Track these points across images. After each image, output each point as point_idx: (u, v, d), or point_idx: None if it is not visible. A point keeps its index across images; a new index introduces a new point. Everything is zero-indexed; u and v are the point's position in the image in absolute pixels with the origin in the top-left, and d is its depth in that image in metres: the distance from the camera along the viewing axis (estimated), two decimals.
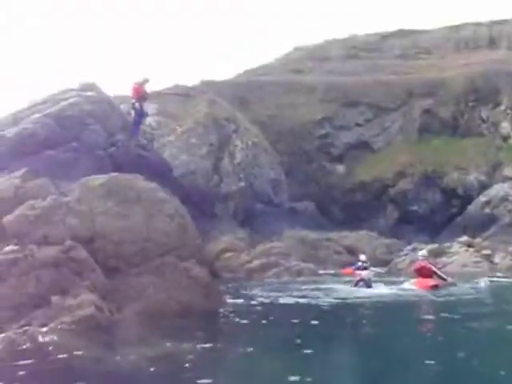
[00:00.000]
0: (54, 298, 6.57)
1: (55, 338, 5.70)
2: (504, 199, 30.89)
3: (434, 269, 12.70)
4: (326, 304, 9.44)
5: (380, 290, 12.09)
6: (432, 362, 4.97)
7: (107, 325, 6.60)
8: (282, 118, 37.12)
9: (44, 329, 5.96)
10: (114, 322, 6.84)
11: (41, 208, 7.85)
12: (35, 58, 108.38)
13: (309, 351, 5.39)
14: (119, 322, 6.89)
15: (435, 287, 11.71)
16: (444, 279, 12.59)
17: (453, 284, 12.58)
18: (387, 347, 5.71)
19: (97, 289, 7.15)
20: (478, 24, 52.62)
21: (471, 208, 31.88)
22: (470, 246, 23.04)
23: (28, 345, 5.43)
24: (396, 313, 9.04)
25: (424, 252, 14.03)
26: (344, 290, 12.11)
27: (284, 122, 36.82)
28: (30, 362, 5.03)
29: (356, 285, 12.78)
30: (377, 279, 14.00)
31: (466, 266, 20.68)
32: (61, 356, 5.16)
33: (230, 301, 9.49)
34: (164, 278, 7.99)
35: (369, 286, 12.59)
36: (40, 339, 5.57)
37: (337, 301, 9.99)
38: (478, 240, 24.16)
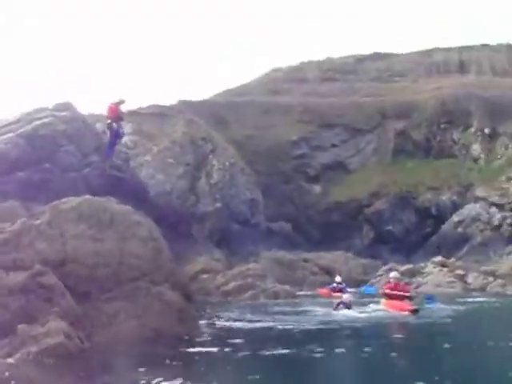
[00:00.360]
0: (20, 326, 6.32)
1: (21, 369, 5.46)
2: (476, 219, 31.63)
3: (402, 292, 12.63)
4: (305, 329, 9.33)
5: (359, 312, 12.04)
6: None
7: (77, 353, 6.38)
8: (258, 138, 37.42)
9: (9, 360, 5.72)
10: (84, 350, 6.62)
11: (9, 232, 7.63)
12: (35, 59, 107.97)
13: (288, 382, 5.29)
14: (89, 351, 6.68)
15: (415, 312, 11.58)
16: (411, 298, 12.66)
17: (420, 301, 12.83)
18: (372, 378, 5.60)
19: (67, 315, 6.92)
20: (449, 49, 54.49)
21: (445, 227, 32.51)
22: (443, 265, 23.42)
23: None
24: (381, 338, 8.96)
25: (395, 274, 13.96)
26: (323, 314, 12.02)
27: (261, 142, 37.12)
28: None
29: (336, 308, 12.74)
30: (353, 300, 13.95)
31: (440, 286, 20.95)
32: None
33: (204, 326, 9.33)
34: (136, 303, 7.81)
35: (348, 309, 12.58)
36: (5, 371, 5.32)
37: (317, 326, 9.87)
38: (451, 260, 24.60)
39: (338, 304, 12.79)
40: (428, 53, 54.80)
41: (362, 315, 11.62)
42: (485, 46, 55.06)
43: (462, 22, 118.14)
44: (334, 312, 12.32)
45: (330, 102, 40.85)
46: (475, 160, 36.28)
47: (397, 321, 10.77)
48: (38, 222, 8.07)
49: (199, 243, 24.52)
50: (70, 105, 15.57)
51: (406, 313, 11.57)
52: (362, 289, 12.27)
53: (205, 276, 19.07)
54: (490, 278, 21.74)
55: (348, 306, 12.58)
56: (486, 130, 36.45)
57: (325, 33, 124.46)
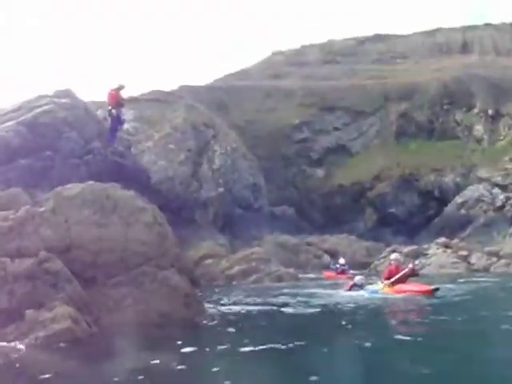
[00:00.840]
0: (28, 312, 6.36)
1: (29, 353, 5.50)
2: (479, 200, 31.58)
3: (404, 272, 11.89)
4: (313, 312, 9.32)
5: (370, 294, 11.87)
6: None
7: (84, 338, 6.42)
8: (260, 122, 37.24)
9: (17, 345, 5.76)
10: (92, 334, 6.67)
11: (14, 219, 7.62)
12: (35, 58, 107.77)
13: (295, 362, 5.31)
14: (97, 335, 6.72)
15: (435, 291, 10.86)
16: (415, 275, 12.11)
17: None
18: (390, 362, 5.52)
19: (73, 301, 6.95)
20: (451, 29, 53.84)
21: (448, 209, 32.49)
22: (447, 247, 23.42)
23: (0, 362, 5.23)
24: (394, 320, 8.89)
25: (396, 255, 13.38)
26: (334, 295, 11.90)
27: (262, 126, 36.95)
28: (1, 380, 4.85)
29: (350, 289, 12.66)
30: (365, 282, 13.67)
31: (444, 267, 20.99)
32: (35, 373, 4.98)
33: (210, 309, 9.37)
34: (143, 287, 7.84)
35: (361, 289, 12.48)
36: (13, 355, 5.37)
37: (327, 308, 9.83)
38: (455, 241, 24.59)
39: (352, 286, 12.71)
40: (430, 33, 54.18)
41: (376, 296, 11.44)
42: (488, 25, 54.34)
43: (465, 2, 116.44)
44: (347, 293, 12.22)
45: (331, 85, 40.53)
46: (478, 141, 36.09)
47: (410, 301, 10.59)
48: (42, 209, 8.06)
49: (203, 228, 24.58)
50: (70, 92, 15.51)
51: (425, 294, 10.81)
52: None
53: (209, 261, 19.14)
54: (494, 259, 21.77)
55: (361, 287, 12.51)
56: (489, 111, 36.17)
57: (326, 15, 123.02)
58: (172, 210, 18.98)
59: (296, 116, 38.44)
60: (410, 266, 12.25)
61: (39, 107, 13.67)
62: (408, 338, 6.54)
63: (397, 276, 11.88)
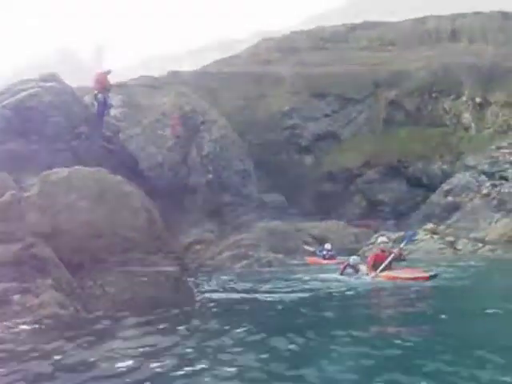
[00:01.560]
0: (15, 297, 6.30)
1: (16, 338, 5.46)
2: (465, 187, 31.86)
3: (390, 258, 11.27)
4: (300, 295, 9.38)
5: (363, 277, 11.41)
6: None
7: (72, 323, 6.39)
8: (250, 109, 37.02)
9: (4, 329, 5.72)
10: (80, 319, 6.64)
11: None
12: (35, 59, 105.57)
13: (287, 347, 5.31)
14: (85, 320, 6.69)
15: (433, 277, 10.26)
16: (404, 260, 11.62)
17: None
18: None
19: (61, 286, 6.91)
20: (441, 17, 53.76)
21: (434, 196, 32.75)
22: (434, 233, 23.70)
23: None
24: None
25: (383, 238, 12.64)
26: (325, 280, 11.55)
27: (252, 113, 36.75)
28: None
29: (343, 271, 11.89)
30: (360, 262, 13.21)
31: (431, 253, 21.24)
32: (21, 356, 4.95)
33: (200, 294, 9.38)
34: (131, 273, 7.81)
35: (356, 272, 11.72)
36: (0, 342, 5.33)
37: (317, 293, 9.81)
38: (441, 227, 24.86)
39: (345, 266, 11.90)
40: (420, 21, 54.02)
41: (368, 281, 10.97)
42: (477, 13, 54.29)
43: None
44: (341, 277, 11.55)
45: (321, 72, 40.36)
46: (466, 129, 36.31)
47: (404, 286, 10.28)
48: (28, 193, 7.96)
49: (192, 215, 24.51)
50: (56, 75, 15.25)
51: (426, 279, 10.29)
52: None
53: (198, 247, 19.14)
54: (480, 244, 22.09)
55: (355, 269, 11.75)
56: (477, 99, 36.34)
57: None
58: (161, 196, 18.86)
59: (286, 102, 38.29)
60: (395, 251, 11.54)
61: (24, 91, 13.43)
62: (402, 327, 6.59)
63: (384, 263, 11.28)
